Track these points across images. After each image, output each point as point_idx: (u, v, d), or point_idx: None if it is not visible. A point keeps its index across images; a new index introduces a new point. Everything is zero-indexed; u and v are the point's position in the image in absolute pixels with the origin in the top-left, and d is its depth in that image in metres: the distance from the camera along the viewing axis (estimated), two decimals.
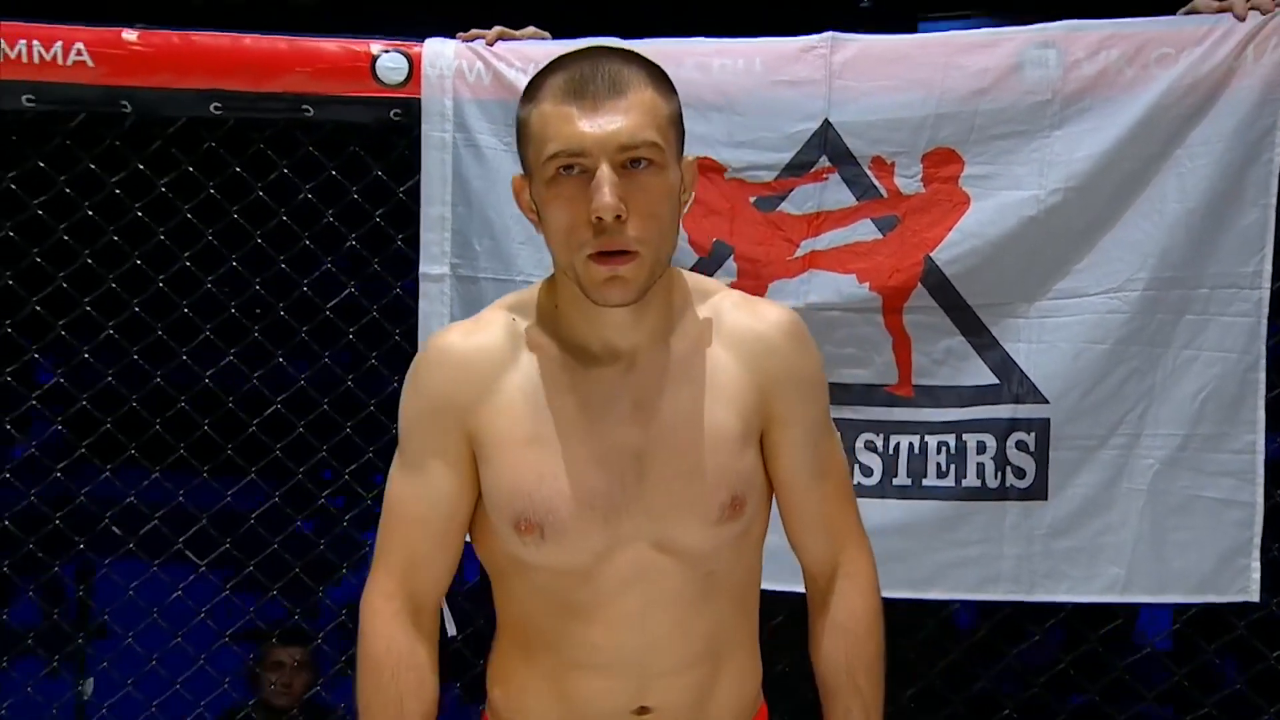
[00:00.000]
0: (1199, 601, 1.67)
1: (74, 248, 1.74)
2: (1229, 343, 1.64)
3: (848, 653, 1.22)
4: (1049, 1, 1.80)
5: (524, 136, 1.07)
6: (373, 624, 1.19)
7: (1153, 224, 1.66)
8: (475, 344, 1.17)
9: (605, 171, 1.01)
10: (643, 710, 1.19)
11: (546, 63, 1.07)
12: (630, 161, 1.03)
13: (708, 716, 1.21)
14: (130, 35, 1.64)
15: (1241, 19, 1.58)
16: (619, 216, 1.01)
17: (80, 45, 1.64)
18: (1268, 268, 1.62)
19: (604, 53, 1.08)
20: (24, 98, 1.67)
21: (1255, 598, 1.62)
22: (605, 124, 1.02)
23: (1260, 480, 1.63)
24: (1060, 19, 1.64)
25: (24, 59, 1.64)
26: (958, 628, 2.38)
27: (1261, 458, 1.64)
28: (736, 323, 1.18)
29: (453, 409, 1.16)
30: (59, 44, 1.64)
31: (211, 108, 1.69)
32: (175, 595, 1.88)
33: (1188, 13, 1.63)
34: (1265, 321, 1.64)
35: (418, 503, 1.19)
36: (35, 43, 1.63)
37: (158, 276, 1.76)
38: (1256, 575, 1.62)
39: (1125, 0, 1.66)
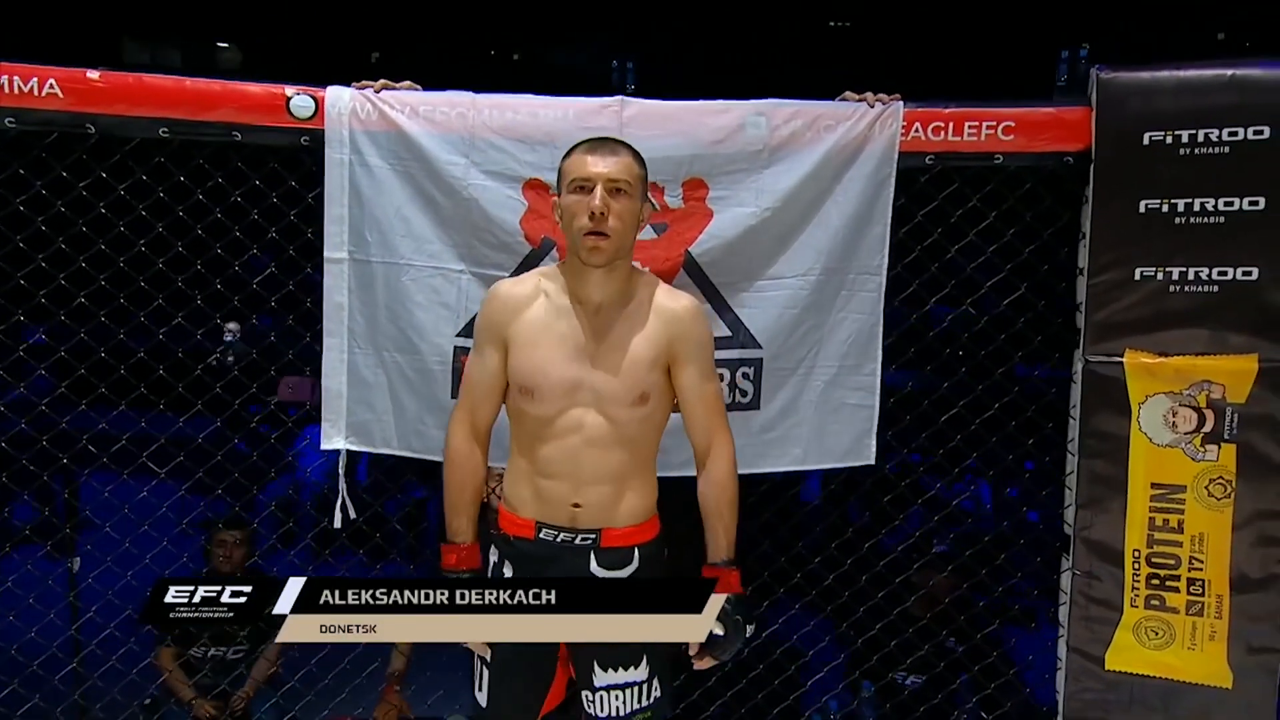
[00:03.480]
0: (845, 465, 2.32)
1: (50, 237, 2.04)
2: (864, 309, 2.27)
3: (715, 497, 1.89)
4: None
5: (562, 172, 1.83)
6: (451, 438, 1.88)
7: (823, 233, 2.22)
8: (511, 290, 1.91)
9: (599, 190, 1.78)
10: (576, 505, 1.85)
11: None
12: (614, 189, 1.78)
13: (614, 514, 1.87)
14: (93, 74, 2.00)
15: (871, 106, 2.19)
16: (603, 213, 1.76)
17: (52, 80, 1.99)
18: (885, 262, 2.25)
19: (610, 139, 1.89)
20: (6, 120, 1.98)
21: (872, 460, 2.32)
22: (603, 166, 1.79)
23: (877, 392, 2.30)
24: None
25: (5, 89, 1.95)
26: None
27: (878, 379, 2.30)
28: (661, 302, 1.89)
29: (498, 323, 1.88)
30: (35, 79, 1.97)
31: (160, 131, 2.05)
32: (142, 495, 2.30)
33: (841, 99, 2.21)
34: (883, 295, 2.26)
35: (479, 373, 1.85)
36: (15, 78, 1.95)
37: (119, 259, 2.09)
38: (873, 448, 2.32)
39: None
